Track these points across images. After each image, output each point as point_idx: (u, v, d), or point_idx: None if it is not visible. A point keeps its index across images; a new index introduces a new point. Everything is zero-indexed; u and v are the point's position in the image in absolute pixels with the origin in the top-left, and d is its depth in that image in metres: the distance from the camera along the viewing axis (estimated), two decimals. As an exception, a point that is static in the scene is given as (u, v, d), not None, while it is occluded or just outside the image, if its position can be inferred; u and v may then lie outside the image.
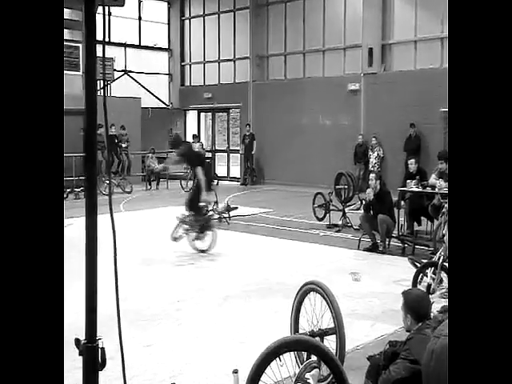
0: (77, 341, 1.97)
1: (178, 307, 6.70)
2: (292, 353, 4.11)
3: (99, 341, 1.99)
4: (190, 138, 21.17)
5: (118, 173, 18.70)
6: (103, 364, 1.97)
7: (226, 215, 12.37)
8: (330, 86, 18.59)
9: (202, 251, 9.49)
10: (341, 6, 18.75)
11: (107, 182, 16.49)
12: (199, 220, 9.56)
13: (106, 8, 2.27)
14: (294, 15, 19.93)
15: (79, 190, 16.45)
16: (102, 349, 1.98)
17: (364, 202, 10.09)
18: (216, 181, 18.84)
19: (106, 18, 2.14)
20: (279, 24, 20.41)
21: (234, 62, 22.07)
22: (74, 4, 2.30)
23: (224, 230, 11.60)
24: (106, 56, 20.10)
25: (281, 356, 3.45)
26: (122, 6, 2.38)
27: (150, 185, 18.90)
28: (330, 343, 4.31)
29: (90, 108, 2.03)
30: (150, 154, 19.44)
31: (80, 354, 1.95)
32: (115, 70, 20.89)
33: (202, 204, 9.70)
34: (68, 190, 16.38)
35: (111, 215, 2.13)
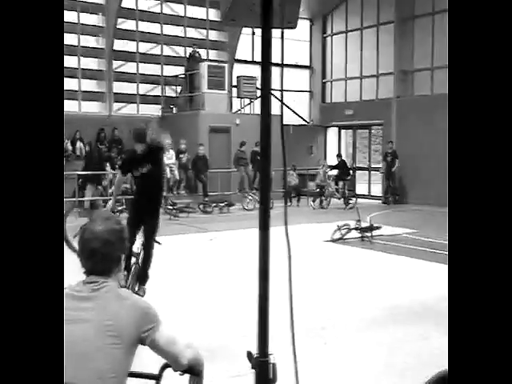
0: (249, 354, 1.95)
1: (323, 326, 6.57)
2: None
3: (271, 356, 1.96)
4: (333, 156, 21.07)
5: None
6: (274, 379, 1.94)
7: (369, 234, 12.07)
8: (481, 101, 17.62)
9: None
10: (493, 17, 17.78)
11: (250, 197, 16.86)
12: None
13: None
14: (442, 27, 19.18)
15: (223, 204, 16.97)
16: (274, 364, 1.95)
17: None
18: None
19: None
20: (426, 37, 19.78)
21: (377, 77, 21.71)
22: (253, 24, 2.34)
23: (367, 249, 11.35)
24: (249, 75, 20.64)
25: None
26: (294, 28, 2.38)
27: (290, 201, 19.04)
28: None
29: (265, 127, 2.04)
30: (291, 171, 19.61)
31: (252, 368, 1.93)
32: (258, 88, 21.42)
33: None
34: (213, 205, 16.97)
35: (286, 230, 2.07)
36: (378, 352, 5.75)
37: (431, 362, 5.13)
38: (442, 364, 3.85)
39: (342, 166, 19.64)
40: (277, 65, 2.46)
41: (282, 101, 2.54)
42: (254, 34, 21.95)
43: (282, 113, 2.45)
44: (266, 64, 2.08)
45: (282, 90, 2.32)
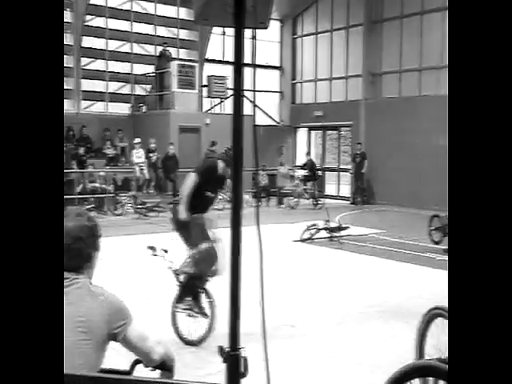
0: (220, 349, 1.99)
1: (293, 324, 6.63)
2: (418, 379, 3.92)
3: (242, 350, 1.99)
4: (302, 156, 21.26)
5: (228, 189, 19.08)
6: (245, 372, 1.98)
7: (338, 234, 12.20)
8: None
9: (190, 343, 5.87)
10: (460, 22, 18.12)
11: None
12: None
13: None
14: (411, 31, 19.49)
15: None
16: (245, 358, 1.98)
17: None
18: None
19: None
20: (394, 40, 20.06)
21: (346, 79, 21.92)
22: (225, 23, 2.33)
23: (335, 249, 11.46)
24: (219, 75, 20.65)
25: (411, 381, 3.30)
26: (266, 28, 2.40)
27: (260, 201, 19.11)
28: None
29: (236, 129, 2.05)
30: (261, 171, 19.68)
31: (224, 361, 1.97)
32: (228, 88, 21.42)
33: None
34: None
35: (258, 227, 2.10)
36: (347, 350, 5.83)
37: (400, 360, 5.23)
38: (409, 361, 3.93)
39: (310, 166, 19.82)
40: (248, 65, 2.51)
41: (253, 102, 2.57)
42: (224, 33, 21.95)
43: (254, 113, 2.47)
44: (238, 64, 2.10)
45: (254, 91, 2.33)
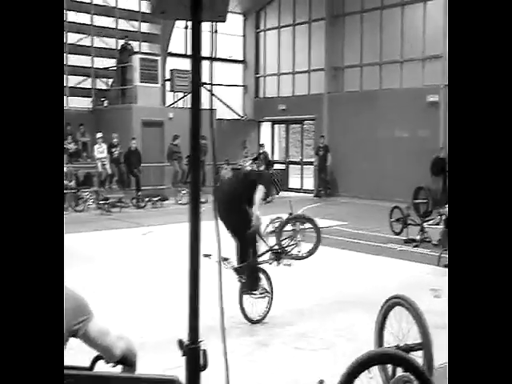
0: (180, 342, 2.00)
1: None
2: (377, 367, 4.01)
3: (201, 343, 2.01)
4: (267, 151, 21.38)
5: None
6: (205, 365, 2.00)
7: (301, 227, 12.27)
8: (408, 98, 18.23)
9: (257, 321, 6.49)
10: (420, 16, 18.41)
11: (183, 191, 16.78)
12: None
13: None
14: (371, 25, 19.72)
15: (156, 199, 16.83)
16: (204, 351, 2.00)
17: (444, 216, 9.78)
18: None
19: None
20: (355, 35, 20.26)
21: (309, 73, 22.04)
22: (183, 16, 2.32)
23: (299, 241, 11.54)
24: (182, 69, 20.50)
25: (369, 369, 3.36)
26: (224, 21, 2.40)
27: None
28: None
29: (194, 122, 2.06)
30: (225, 166, 19.65)
31: (183, 355, 1.98)
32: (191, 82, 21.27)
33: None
34: (146, 199, 16.80)
35: (216, 222, 2.13)
36: (310, 342, 5.89)
37: (362, 348, 5.33)
38: (370, 348, 4.02)
39: (263, 158, 19.92)
40: (207, 58, 2.51)
41: (211, 91, 2.57)
42: (187, 27, 21.80)
43: (211, 106, 2.48)
44: (196, 57, 2.11)
45: (211, 84, 2.34)
